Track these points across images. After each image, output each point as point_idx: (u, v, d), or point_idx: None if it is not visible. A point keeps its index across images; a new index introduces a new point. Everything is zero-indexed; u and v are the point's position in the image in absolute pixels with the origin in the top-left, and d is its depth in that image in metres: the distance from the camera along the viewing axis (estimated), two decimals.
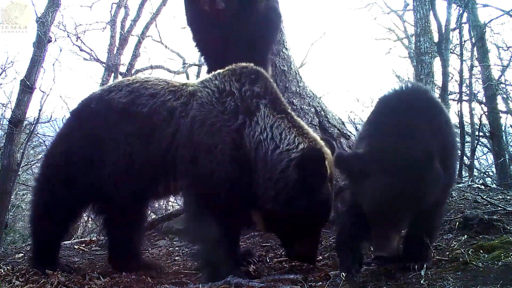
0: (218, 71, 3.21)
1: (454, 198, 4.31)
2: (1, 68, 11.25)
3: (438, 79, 8.73)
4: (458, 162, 2.57)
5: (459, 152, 2.62)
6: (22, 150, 7.73)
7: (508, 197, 4.43)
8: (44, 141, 10.10)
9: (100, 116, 3.20)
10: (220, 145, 2.85)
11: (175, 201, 9.24)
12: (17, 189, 10.02)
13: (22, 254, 4.11)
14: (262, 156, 2.81)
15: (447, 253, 2.81)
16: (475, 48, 9.71)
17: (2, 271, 3.30)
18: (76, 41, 11.79)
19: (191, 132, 2.92)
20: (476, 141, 9.85)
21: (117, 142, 3.11)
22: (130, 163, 3.08)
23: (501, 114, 10.13)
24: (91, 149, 3.15)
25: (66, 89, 31.21)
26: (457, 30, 9.09)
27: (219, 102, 2.98)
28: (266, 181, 2.78)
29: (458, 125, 9.31)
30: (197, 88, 3.11)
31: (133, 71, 12.18)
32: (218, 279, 2.61)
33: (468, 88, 9.63)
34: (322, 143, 2.91)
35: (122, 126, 3.12)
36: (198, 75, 12.55)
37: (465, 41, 9.52)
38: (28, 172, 10.95)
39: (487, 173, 11.65)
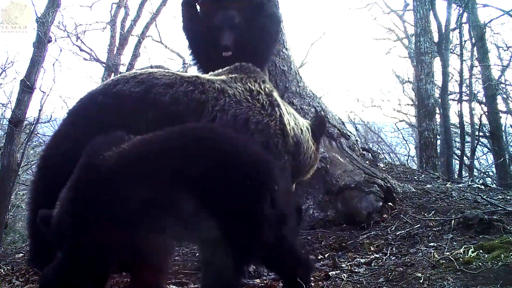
0: (230, 73, 3.39)
1: (454, 198, 4.31)
2: (1, 68, 11.23)
3: (438, 79, 8.75)
4: None
5: None
6: (22, 150, 7.71)
7: (508, 197, 4.43)
8: (44, 141, 10.09)
9: (111, 107, 3.15)
10: (274, 138, 3.21)
11: None
12: (17, 189, 10.03)
13: (22, 254, 4.11)
14: (300, 139, 3.37)
15: (447, 253, 2.81)
16: (475, 48, 9.71)
17: (2, 271, 3.30)
18: (76, 41, 11.75)
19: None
20: (476, 141, 9.86)
21: (138, 130, 3.08)
22: None
23: (501, 114, 10.14)
24: None
25: (66, 89, 31.24)
26: (457, 30, 9.10)
27: (254, 99, 3.28)
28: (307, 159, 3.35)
29: (458, 125, 9.36)
30: (224, 86, 3.27)
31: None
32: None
33: (468, 88, 9.64)
34: None
35: (142, 114, 3.09)
36: None
37: (465, 41, 9.53)
38: (28, 172, 10.95)
39: (487, 173, 11.66)
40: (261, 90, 3.34)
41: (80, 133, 3.17)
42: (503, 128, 10.35)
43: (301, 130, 3.44)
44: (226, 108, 3.15)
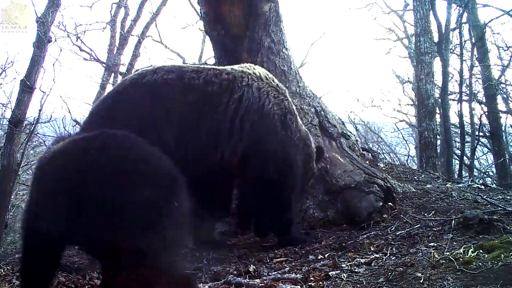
0: (245, 65, 3.82)
1: (454, 198, 4.31)
2: (1, 68, 11.21)
3: (438, 79, 8.75)
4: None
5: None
6: (22, 150, 7.70)
7: (508, 197, 4.44)
8: (44, 141, 10.07)
9: (148, 97, 3.24)
10: (289, 115, 3.68)
11: None
12: (17, 189, 10.01)
13: None
14: (305, 129, 3.95)
15: (447, 253, 2.81)
16: (475, 48, 9.70)
17: (2, 271, 3.30)
18: (76, 41, 11.70)
19: (259, 100, 3.55)
20: (476, 141, 9.86)
21: (179, 113, 3.28)
22: (195, 129, 3.29)
23: (501, 114, 10.13)
24: (145, 130, 2.99)
25: (66, 89, 31.18)
26: (457, 30, 9.10)
27: (270, 79, 3.76)
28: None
29: (458, 125, 9.36)
30: (243, 69, 3.71)
31: (133, 71, 12.16)
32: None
33: (468, 88, 9.64)
34: None
35: (180, 97, 3.30)
36: None
37: (465, 41, 9.53)
38: (28, 172, 10.92)
39: (487, 173, 11.66)
40: (273, 78, 3.85)
41: (121, 127, 3.11)
42: (503, 128, 10.34)
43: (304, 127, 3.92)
44: (251, 83, 3.57)
